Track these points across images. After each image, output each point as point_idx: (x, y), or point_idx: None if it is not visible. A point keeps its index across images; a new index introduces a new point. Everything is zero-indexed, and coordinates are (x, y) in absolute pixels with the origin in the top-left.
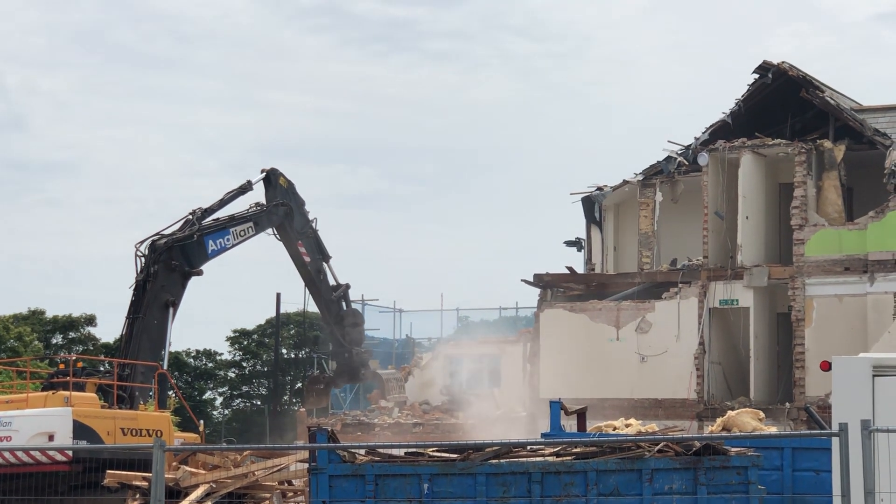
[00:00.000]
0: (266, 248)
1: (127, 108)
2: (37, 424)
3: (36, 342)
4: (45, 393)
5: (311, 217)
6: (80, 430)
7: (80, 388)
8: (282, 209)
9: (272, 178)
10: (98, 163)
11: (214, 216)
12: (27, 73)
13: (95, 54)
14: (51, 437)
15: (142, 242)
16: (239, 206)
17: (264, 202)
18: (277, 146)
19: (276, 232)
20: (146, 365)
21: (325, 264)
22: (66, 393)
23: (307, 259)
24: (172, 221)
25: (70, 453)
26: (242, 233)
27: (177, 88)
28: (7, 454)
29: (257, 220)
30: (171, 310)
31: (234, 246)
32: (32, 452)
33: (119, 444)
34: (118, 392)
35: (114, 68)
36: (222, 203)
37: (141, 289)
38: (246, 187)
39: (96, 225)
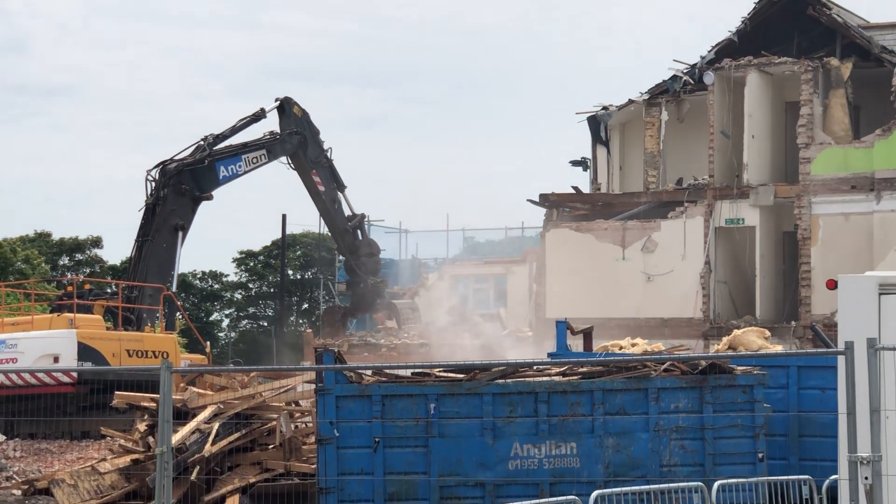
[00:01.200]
0: (273, 171)
1: (128, 31)
2: (42, 346)
3: (43, 265)
4: (50, 315)
5: (325, 146)
6: (85, 351)
7: (87, 310)
8: (296, 138)
9: (286, 107)
10: (100, 86)
11: (227, 142)
12: None
13: None
14: (56, 359)
15: (154, 167)
16: (252, 133)
17: (278, 130)
18: (281, 68)
19: (289, 161)
20: (153, 287)
21: (340, 194)
22: (71, 315)
23: (321, 189)
24: (183, 146)
25: (75, 374)
26: (254, 160)
27: (179, 11)
28: (13, 376)
29: (270, 147)
30: (180, 233)
31: (245, 173)
32: (38, 374)
33: (125, 365)
34: (125, 314)
35: None
36: (234, 130)
37: (150, 212)
38: (259, 115)
39: (100, 148)
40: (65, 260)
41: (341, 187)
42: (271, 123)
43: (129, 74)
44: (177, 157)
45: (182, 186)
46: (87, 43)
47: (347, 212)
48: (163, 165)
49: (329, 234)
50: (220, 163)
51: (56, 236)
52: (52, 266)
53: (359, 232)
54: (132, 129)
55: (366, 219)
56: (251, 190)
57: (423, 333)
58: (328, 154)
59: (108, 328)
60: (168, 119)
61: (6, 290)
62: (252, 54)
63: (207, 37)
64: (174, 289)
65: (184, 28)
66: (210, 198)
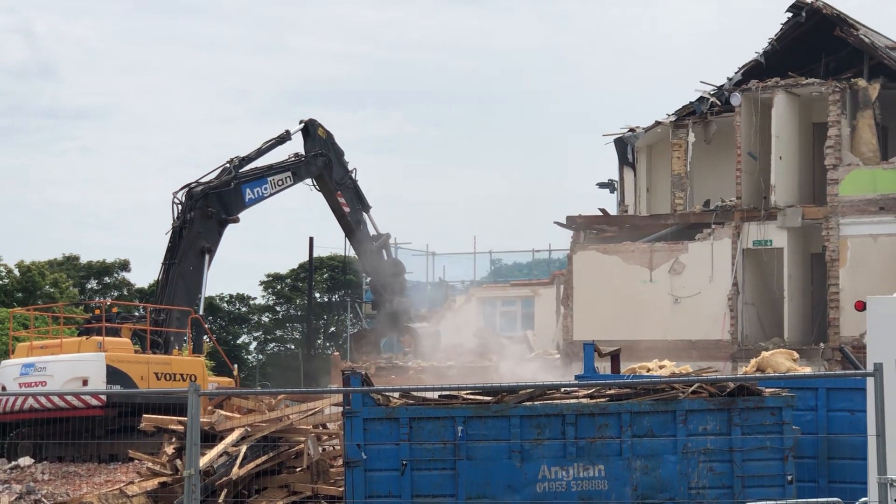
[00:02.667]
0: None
1: (155, 55)
2: (71, 369)
3: (71, 288)
4: (79, 338)
5: (349, 167)
6: (114, 374)
7: (115, 333)
8: (320, 160)
9: (310, 129)
10: (128, 109)
11: (252, 165)
12: (55, 21)
13: (122, 1)
14: (84, 382)
15: (180, 190)
16: (277, 155)
17: (303, 152)
18: (305, 92)
19: (314, 183)
20: (181, 310)
21: (365, 214)
22: (100, 338)
23: (347, 210)
24: (209, 169)
25: (104, 398)
26: (280, 182)
27: (204, 35)
28: (42, 399)
29: (296, 170)
30: (206, 256)
31: (271, 195)
32: (67, 397)
33: (153, 388)
34: (153, 337)
35: (141, 15)
36: (260, 152)
37: (177, 235)
38: (284, 137)
39: (127, 171)
40: (93, 283)
41: (366, 207)
42: (296, 146)
43: (156, 98)
44: (203, 180)
45: (208, 209)
46: (114, 67)
47: (372, 232)
48: (189, 188)
49: (355, 255)
50: (245, 185)
51: (84, 260)
52: (80, 289)
53: (384, 252)
54: (159, 152)
55: (391, 239)
56: (278, 213)
57: (449, 356)
58: (353, 175)
59: (135, 351)
60: (194, 142)
61: (35, 313)
62: (276, 78)
63: (232, 61)
64: (201, 311)
65: (209, 52)
66: (237, 220)
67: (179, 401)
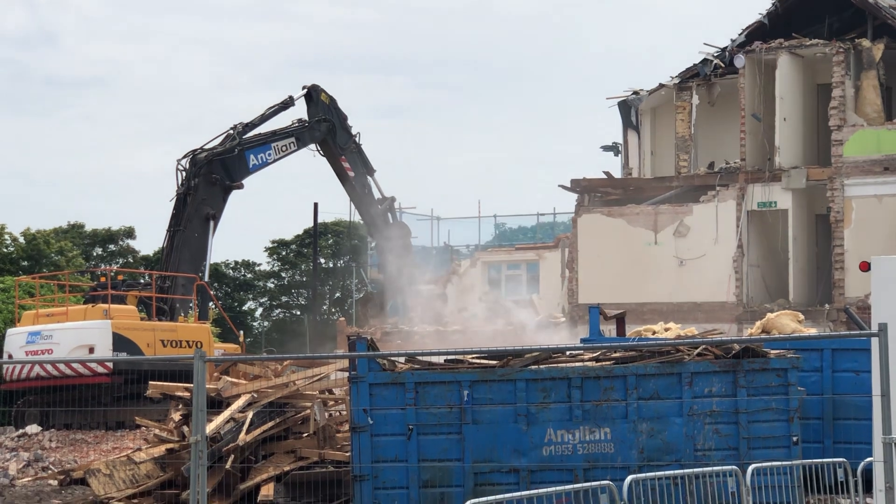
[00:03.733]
0: (304, 160)
1: (156, 23)
2: (77, 337)
3: (78, 257)
4: (84, 306)
5: (353, 132)
6: (120, 342)
7: (121, 300)
8: (324, 125)
9: (313, 94)
10: (130, 77)
11: (256, 131)
12: None
13: None
14: (91, 350)
15: (184, 157)
16: (280, 121)
17: (306, 118)
18: (308, 58)
19: (318, 148)
20: (186, 277)
21: (369, 178)
22: (105, 306)
23: (351, 174)
24: (213, 136)
25: (110, 365)
26: (284, 148)
27: (207, 2)
28: (49, 367)
29: (299, 135)
30: (211, 223)
31: (275, 161)
32: (73, 364)
33: (159, 355)
34: (159, 304)
35: None
36: (263, 118)
37: (181, 202)
38: (288, 103)
39: (131, 139)
40: (98, 251)
41: (370, 171)
42: (299, 111)
43: (158, 66)
44: (207, 147)
45: (212, 176)
46: (115, 35)
47: (377, 195)
48: (193, 155)
49: (360, 220)
50: (249, 151)
51: (89, 227)
52: (85, 257)
53: (389, 215)
54: (162, 119)
55: (396, 202)
56: (282, 179)
57: (454, 320)
58: (356, 139)
59: (141, 318)
60: (197, 110)
61: (40, 281)
62: (279, 44)
63: (235, 27)
64: (206, 278)
65: (211, 19)
66: (241, 186)
67: (186, 368)
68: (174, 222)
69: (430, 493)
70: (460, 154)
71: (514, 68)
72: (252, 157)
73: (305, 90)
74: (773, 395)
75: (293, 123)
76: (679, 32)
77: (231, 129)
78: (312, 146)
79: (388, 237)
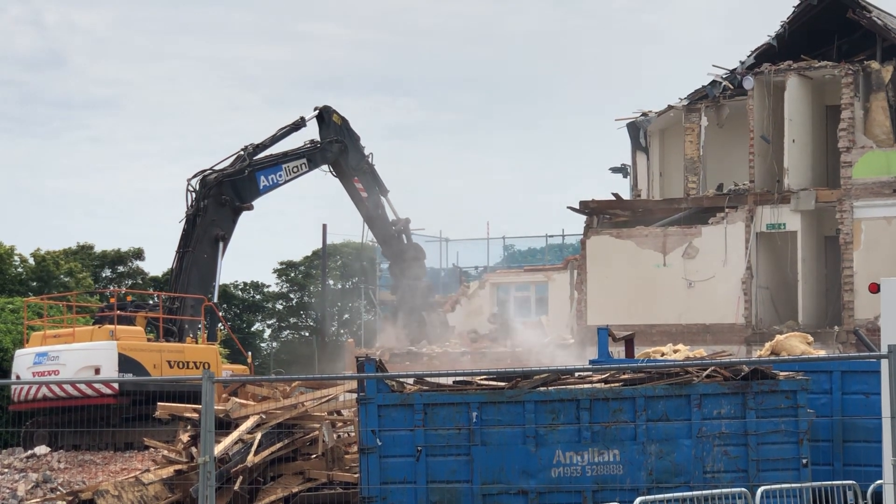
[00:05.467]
0: (312, 181)
1: (165, 44)
2: (83, 358)
3: (87, 278)
4: (91, 327)
5: (366, 152)
6: (126, 363)
7: (130, 321)
8: (336, 146)
9: (325, 116)
10: (139, 99)
11: (267, 152)
12: (65, 10)
13: None
14: (97, 371)
15: (193, 177)
16: (292, 142)
17: (318, 139)
18: (317, 79)
19: (331, 169)
20: (195, 298)
21: (383, 198)
22: (112, 327)
23: (364, 195)
24: (223, 157)
25: (116, 386)
26: (295, 169)
27: (215, 22)
28: (56, 388)
29: (311, 156)
30: (220, 244)
31: (286, 182)
32: (79, 385)
33: (167, 376)
34: (167, 325)
35: (151, 2)
36: (274, 139)
37: (191, 223)
38: (299, 124)
39: (140, 160)
40: (107, 272)
41: (384, 192)
42: (311, 132)
43: (167, 87)
44: (217, 168)
45: (222, 197)
46: (124, 56)
47: (391, 217)
48: (203, 176)
49: (370, 242)
50: (260, 173)
51: (98, 249)
52: (94, 278)
53: (402, 236)
54: (171, 141)
55: (409, 223)
56: (291, 200)
57: (462, 342)
58: (369, 159)
59: (149, 339)
60: (207, 131)
61: (49, 302)
62: (289, 65)
63: (244, 48)
64: (216, 299)
65: (220, 40)
66: (250, 208)
67: (193, 389)
68: (183, 243)
69: None
70: (468, 175)
71: (521, 90)
72: (263, 178)
73: (317, 111)
74: (782, 416)
75: (305, 144)
76: (688, 54)
77: (242, 150)
78: (326, 167)
79: (403, 259)
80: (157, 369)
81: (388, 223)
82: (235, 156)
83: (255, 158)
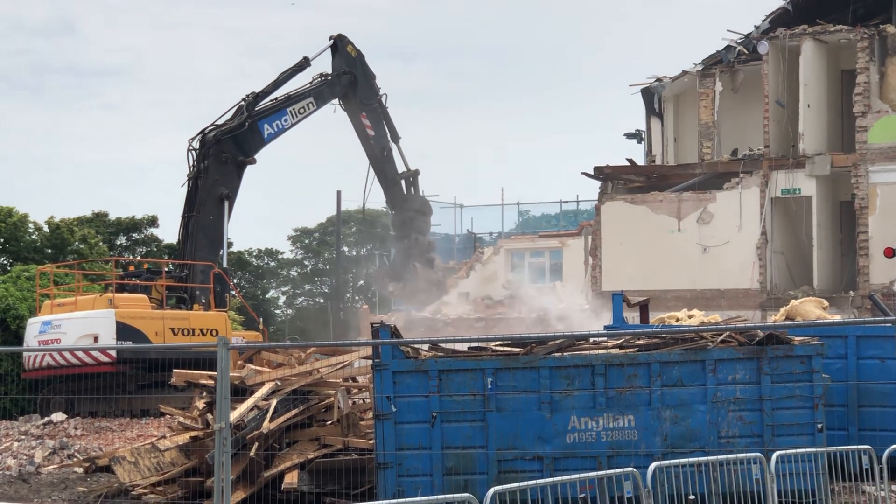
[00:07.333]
0: (327, 147)
1: (176, 12)
2: (82, 326)
3: (101, 244)
4: (94, 295)
5: (381, 93)
6: (125, 331)
7: (146, 289)
8: (345, 78)
9: (339, 45)
10: (150, 66)
11: (272, 97)
12: None
13: None
14: (95, 339)
15: (194, 137)
16: (297, 85)
17: (328, 73)
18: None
19: (340, 103)
20: (203, 265)
21: (394, 145)
22: (111, 294)
23: (371, 132)
24: (224, 112)
25: (114, 353)
26: (302, 110)
27: None
28: (56, 355)
29: (318, 93)
30: (226, 203)
31: (292, 125)
32: (78, 353)
33: (177, 343)
34: (180, 293)
35: None
36: (276, 84)
37: (194, 185)
38: (303, 64)
39: (152, 128)
40: (122, 239)
41: (395, 137)
42: (314, 71)
43: (178, 54)
44: (218, 123)
45: (223, 154)
46: (135, 24)
47: (401, 167)
48: (203, 134)
49: (383, 208)
50: (263, 121)
51: (113, 216)
52: (109, 246)
53: (412, 189)
54: (183, 108)
55: (419, 175)
56: (306, 167)
57: (478, 307)
58: (383, 100)
59: (154, 307)
60: (218, 98)
61: (61, 270)
62: (299, 32)
63: (255, 16)
64: (224, 263)
65: (231, 7)
66: (253, 161)
67: (202, 356)
68: (188, 207)
69: (454, 481)
70: (483, 142)
71: (536, 56)
72: (267, 126)
73: (332, 41)
74: (797, 382)
75: (314, 79)
76: (702, 19)
77: (242, 100)
78: (335, 101)
79: (406, 208)
80: (160, 336)
81: (395, 168)
82: (236, 107)
83: (257, 107)
